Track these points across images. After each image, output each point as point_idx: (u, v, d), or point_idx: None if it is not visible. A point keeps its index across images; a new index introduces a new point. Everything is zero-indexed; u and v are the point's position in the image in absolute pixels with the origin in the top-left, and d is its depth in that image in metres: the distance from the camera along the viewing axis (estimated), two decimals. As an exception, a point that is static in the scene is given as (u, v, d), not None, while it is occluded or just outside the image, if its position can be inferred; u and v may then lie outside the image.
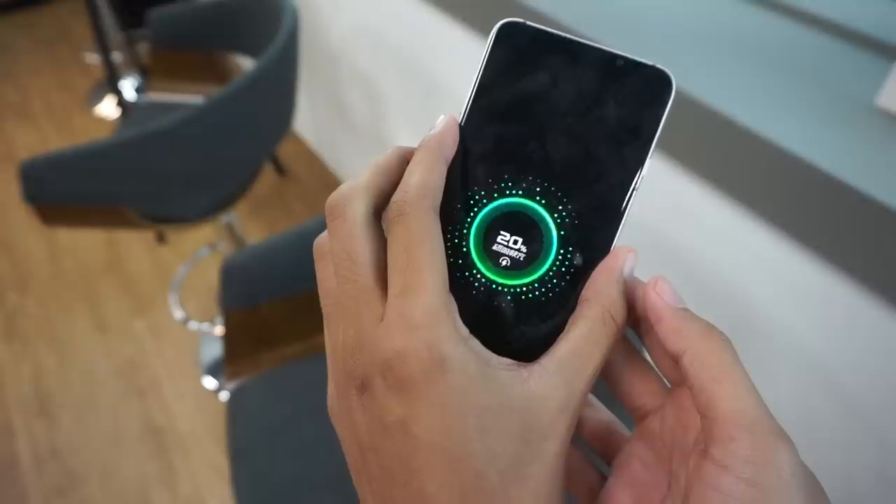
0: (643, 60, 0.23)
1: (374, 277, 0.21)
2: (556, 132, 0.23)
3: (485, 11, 0.87)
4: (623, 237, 0.23)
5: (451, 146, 0.23)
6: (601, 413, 0.26)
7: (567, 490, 0.25)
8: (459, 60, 1.03)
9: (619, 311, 0.22)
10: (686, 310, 0.21)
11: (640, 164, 0.23)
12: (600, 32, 0.70)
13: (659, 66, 0.23)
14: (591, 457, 0.26)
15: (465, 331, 0.20)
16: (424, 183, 0.22)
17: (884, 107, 0.58)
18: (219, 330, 1.47)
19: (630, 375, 0.24)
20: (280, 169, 1.89)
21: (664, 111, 0.23)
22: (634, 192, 0.23)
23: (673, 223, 0.73)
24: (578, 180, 0.23)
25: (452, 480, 0.19)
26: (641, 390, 0.24)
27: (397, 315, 0.20)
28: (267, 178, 1.87)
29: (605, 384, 0.25)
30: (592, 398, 0.26)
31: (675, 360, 0.21)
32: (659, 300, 0.21)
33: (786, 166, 0.54)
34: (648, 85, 0.23)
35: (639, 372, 0.24)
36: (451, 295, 0.21)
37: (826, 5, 0.73)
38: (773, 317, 0.66)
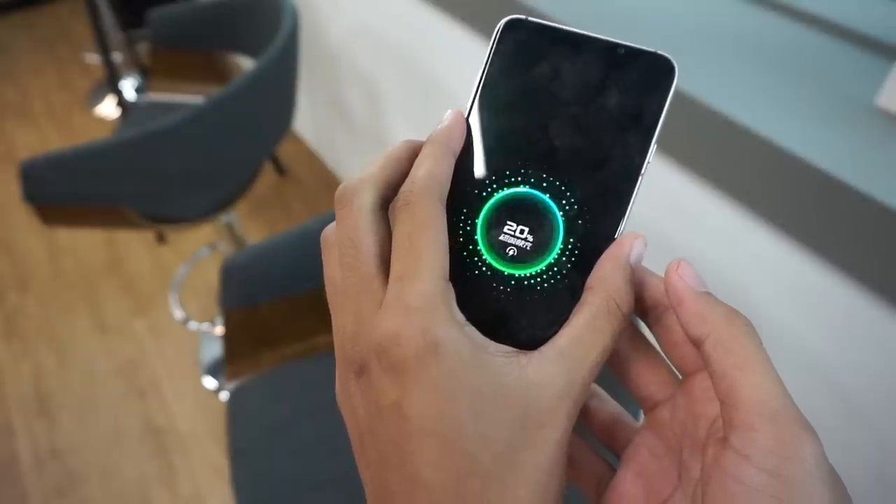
0: (644, 48, 0.23)
1: (376, 266, 0.21)
2: (561, 122, 0.23)
3: (485, 11, 0.87)
4: (627, 229, 0.23)
5: (458, 140, 0.24)
6: (609, 405, 0.26)
7: (575, 482, 0.25)
8: (459, 60, 1.03)
9: (624, 299, 0.21)
10: (708, 293, 0.21)
11: (645, 150, 0.23)
12: (600, 32, 0.70)
13: (660, 52, 0.23)
14: (600, 449, 0.25)
15: (461, 317, 0.21)
16: (432, 175, 0.22)
17: (884, 107, 0.58)
18: (219, 330, 1.47)
19: (639, 364, 0.24)
20: (280, 169, 1.89)
21: (667, 96, 0.23)
22: (640, 178, 0.23)
23: (673, 223, 0.73)
24: (583, 169, 0.23)
25: (446, 463, 0.19)
26: (650, 380, 0.24)
27: (394, 299, 0.20)
28: (267, 178, 1.87)
29: (613, 373, 0.25)
30: (600, 390, 0.26)
31: (697, 344, 0.21)
32: (681, 282, 0.21)
33: (786, 166, 0.54)
34: (650, 71, 0.23)
35: (648, 361, 0.24)
36: (449, 283, 0.21)
37: (826, 5, 0.73)
38: (773, 317, 0.66)
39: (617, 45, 0.23)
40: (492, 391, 0.19)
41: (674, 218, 0.73)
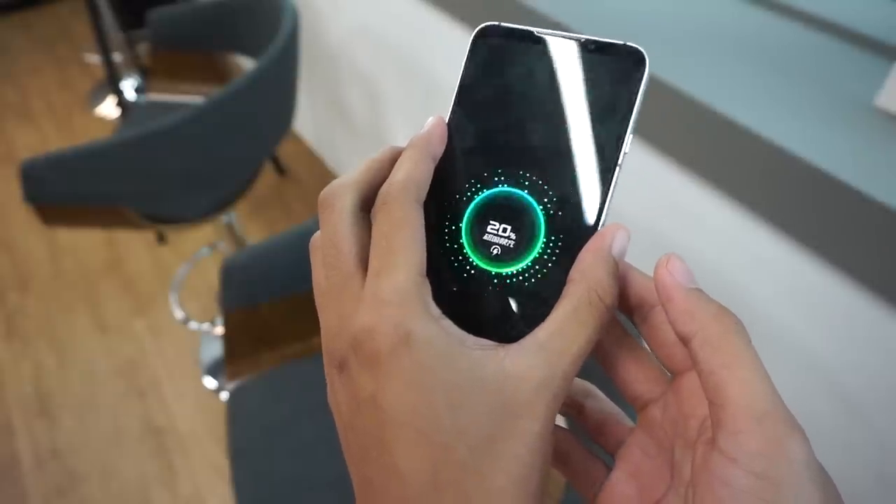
0: (614, 41, 0.23)
1: (355, 265, 0.22)
2: (537, 121, 0.24)
3: (485, 11, 0.87)
4: (610, 222, 0.23)
5: (437, 144, 0.24)
6: (604, 404, 0.26)
7: (571, 482, 0.25)
8: (459, 60, 1.03)
9: (606, 291, 0.21)
10: (698, 290, 0.21)
11: (620, 141, 0.23)
12: (600, 33, 0.70)
13: (630, 43, 0.23)
14: (596, 449, 0.25)
15: (436, 311, 0.21)
16: (409, 176, 0.23)
17: (884, 107, 0.58)
18: (219, 330, 1.47)
19: (628, 363, 0.24)
20: (280, 169, 1.89)
21: (639, 87, 0.23)
22: (617, 169, 0.23)
23: (673, 223, 0.73)
24: (560, 164, 0.23)
25: (422, 454, 0.19)
26: (641, 378, 0.24)
27: (370, 295, 0.20)
28: (267, 178, 1.87)
29: (605, 373, 0.25)
30: (595, 389, 0.26)
31: (685, 342, 0.20)
32: (669, 278, 0.21)
33: (786, 166, 0.54)
34: (622, 63, 0.23)
35: (637, 359, 0.24)
36: (426, 278, 0.21)
37: (826, 5, 0.73)
38: (773, 317, 0.66)
39: (587, 41, 0.24)
40: (468, 383, 0.19)
41: (674, 218, 0.73)
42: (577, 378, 0.26)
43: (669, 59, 0.65)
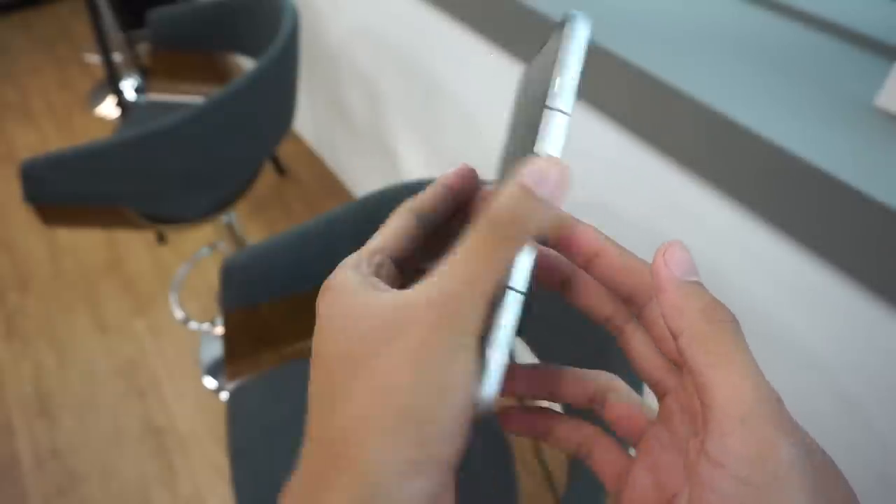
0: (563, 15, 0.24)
1: None
2: (529, 119, 0.25)
3: (484, 11, 0.87)
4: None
5: (452, 176, 0.27)
6: (628, 397, 0.25)
7: (598, 475, 0.25)
8: (459, 60, 1.03)
9: (500, 216, 0.20)
10: (694, 283, 0.20)
11: (552, 89, 0.22)
12: (600, 34, 0.70)
13: (571, 11, 0.23)
14: (621, 442, 0.25)
15: (367, 269, 0.23)
16: (417, 198, 0.26)
17: (884, 107, 0.58)
18: (219, 330, 1.47)
19: (642, 348, 0.23)
20: (280, 169, 1.89)
21: (568, 39, 0.22)
22: (553, 114, 0.22)
23: (672, 223, 0.73)
24: (525, 138, 0.24)
25: (317, 375, 0.21)
26: (658, 365, 0.23)
27: None
28: (267, 178, 1.87)
29: (628, 361, 0.24)
30: (618, 383, 0.25)
31: (674, 338, 0.20)
32: (664, 269, 0.20)
33: (786, 166, 0.54)
34: (560, 30, 0.23)
35: (652, 346, 0.23)
36: (382, 255, 0.24)
37: (826, 5, 0.73)
38: (773, 317, 0.66)
39: (553, 27, 0.25)
40: (363, 312, 0.21)
41: (674, 218, 0.73)
42: (601, 371, 0.26)
43: (669, 59, 0.65)
